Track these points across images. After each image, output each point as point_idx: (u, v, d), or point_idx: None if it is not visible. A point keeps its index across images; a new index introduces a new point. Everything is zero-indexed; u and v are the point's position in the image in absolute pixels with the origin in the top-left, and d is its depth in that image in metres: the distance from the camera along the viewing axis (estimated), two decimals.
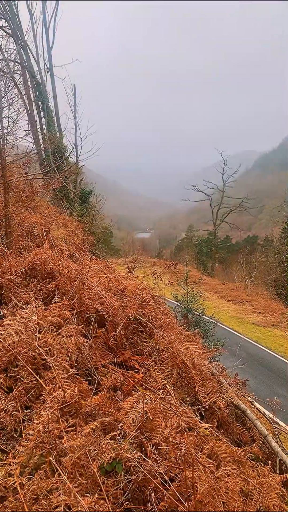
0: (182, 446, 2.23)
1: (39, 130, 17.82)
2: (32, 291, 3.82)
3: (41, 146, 15.95)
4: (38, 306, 3.45)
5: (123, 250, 47.27)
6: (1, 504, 2.02)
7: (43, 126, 18.48)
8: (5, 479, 2.11)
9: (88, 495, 1.92)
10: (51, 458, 2.08)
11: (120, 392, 3.07)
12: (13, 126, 6.49)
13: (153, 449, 2.37)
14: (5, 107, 5.85)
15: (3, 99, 6.21)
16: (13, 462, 2.14)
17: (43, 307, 3.53)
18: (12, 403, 2.52)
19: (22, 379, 2.72)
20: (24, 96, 15.34)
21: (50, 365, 2.74)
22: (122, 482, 2.15)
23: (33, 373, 2.75)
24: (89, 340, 3.47)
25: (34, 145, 13.46)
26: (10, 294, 3.66)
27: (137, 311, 3.94)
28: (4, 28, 16.52)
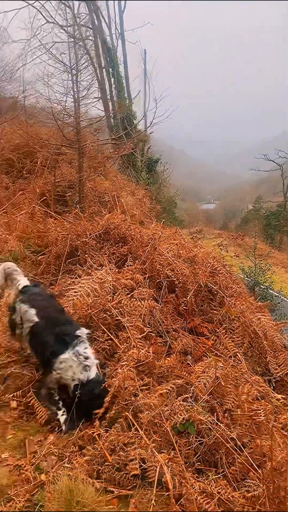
0: (259, 413, 2.19)
1: (109, 97, 17.73)
2: (106, 254, 3.91)
3: (111, 113, 15.90)
4: (112, 269, 3.52)
5: (187, 220, 46.57)
6: (80, 452, 2.15)
7: (113, 93, 18.33)
8: (84, 430, 2.25)
9: (164, 451, 1.97)
10: (127, 413, 2.15)
11: (190, 356, 3.09)
12: (86, 92, 6.52)
13: (225, 414, 2.36)
14: (81, 71, 5.86)
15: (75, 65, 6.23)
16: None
17: (116, 270, 3.60)
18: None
19: (98, 338, 2.83)
20: (95, 63, 15.26)
21: (125, 325, 2.80)
22: (194, 444, 2.18)
23: (108, 332, 2.85)
24: (160, 305, 3.50)
25: (104, 112, 13.50)
26: (86, 256, 3.77)
27: (209, 278, 3.87)
28: None
